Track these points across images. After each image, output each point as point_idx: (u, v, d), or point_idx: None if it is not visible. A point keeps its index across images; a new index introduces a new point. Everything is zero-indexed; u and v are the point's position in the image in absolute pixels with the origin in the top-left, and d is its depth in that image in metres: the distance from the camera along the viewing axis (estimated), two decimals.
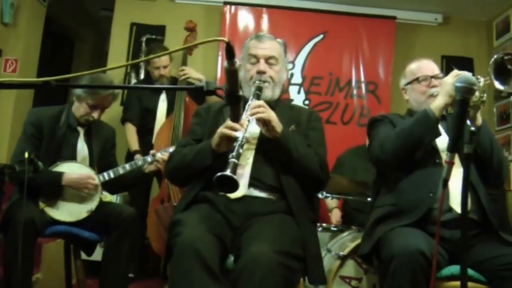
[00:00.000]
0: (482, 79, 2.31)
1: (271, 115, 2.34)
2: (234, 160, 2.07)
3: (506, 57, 2.28)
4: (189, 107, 4.59)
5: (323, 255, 3.50)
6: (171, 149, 3.34)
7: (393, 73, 5.56)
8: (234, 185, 2.01)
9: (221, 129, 2.30)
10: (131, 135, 4.85)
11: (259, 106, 2.33)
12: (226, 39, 1.44)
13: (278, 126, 2.34)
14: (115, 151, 3.78)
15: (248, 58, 2.66)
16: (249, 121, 2.28)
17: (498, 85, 2.29)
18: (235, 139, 2.21)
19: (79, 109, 3.41)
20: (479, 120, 2.40)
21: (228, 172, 1.99)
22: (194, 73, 4.78)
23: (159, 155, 3.43)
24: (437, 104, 2.41)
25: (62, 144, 3.39)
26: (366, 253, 2.49)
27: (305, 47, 5.74)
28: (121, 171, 3.45)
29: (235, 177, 1.99)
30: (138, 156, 4.46)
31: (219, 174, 1.99)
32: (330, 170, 2.96)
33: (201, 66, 5.53)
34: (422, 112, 2.44)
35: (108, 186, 3.52)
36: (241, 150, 2.15)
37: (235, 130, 2.24)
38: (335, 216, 4.44)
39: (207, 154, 2.36)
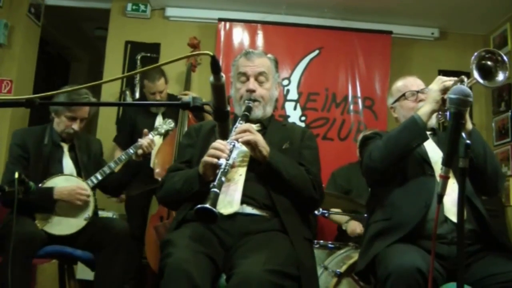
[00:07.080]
0: (466, 80, 2.34)
1: (257, 138, 2.32)
2: (215, 190, 2.03)
3: (487, 55, 2.39)
4: (192, 124, 4.54)
5: (319, 273, 3.48)
6: (151, 135, 3.52)
7: (389, 89, 5.48)
8: (214, 217, 1.96)
9: (204, 157, 2.27)
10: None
11: (245, 131, 2.31)
12: (210, 52, 1.40)
13: (265, 149, 2.32)
14: (103, 159, 3.80)
15: (237, 76, 2.65)
16: (233, 145, 2.25)
17: (478, 77, 2.33)
18: (218, 166, 2.18)
19: (59, 124, 3.47)
20: (469, 125, 2.39)
21: (207, 205, 1.95)
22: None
23: (142, 141, 3.48)
24: (424, 110, 2.44)
25: (49, 161, 3.42)
26: (362, 271, 2.44)
27: (300, 63, 5.72)
28: (107, 170, 3.47)
29: (215, 210, 1.95)
30: None
31: (199, 206, 1.95)
32: (325, 186, 2.91)
33: (204, 85, 5.49)
34: (410, 119, 2.45)
35: (103, 188, 3.58)
36: (223, 179, 2.11)
37: (218, 157, 2.21)
38: (354, 227, 4.12)
39: (194, 181, 2.34)
